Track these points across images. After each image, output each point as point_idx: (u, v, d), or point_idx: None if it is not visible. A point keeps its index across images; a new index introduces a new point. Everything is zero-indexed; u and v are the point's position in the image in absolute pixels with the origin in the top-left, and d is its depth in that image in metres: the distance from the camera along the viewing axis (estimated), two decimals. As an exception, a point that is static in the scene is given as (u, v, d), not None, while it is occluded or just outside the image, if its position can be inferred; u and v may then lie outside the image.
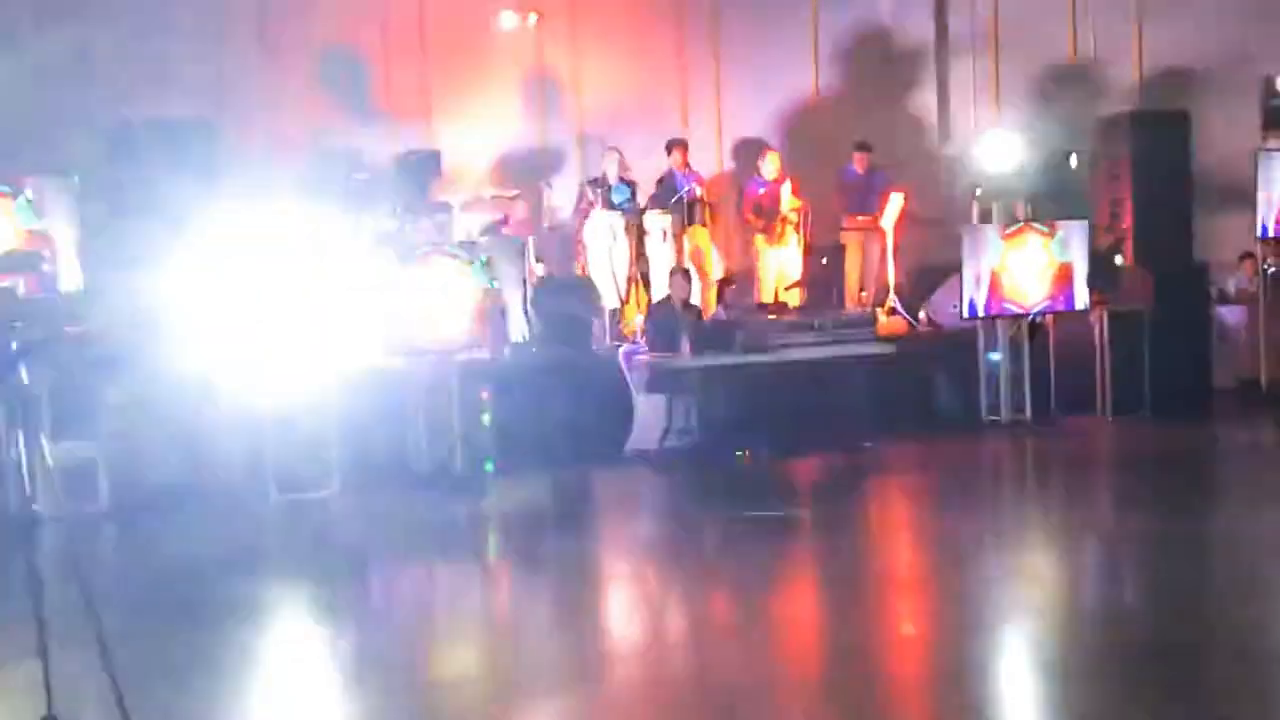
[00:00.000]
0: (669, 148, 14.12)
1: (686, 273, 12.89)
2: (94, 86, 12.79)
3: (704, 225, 13.96)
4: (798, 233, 14.23)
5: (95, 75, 12.87)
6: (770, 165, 14.24)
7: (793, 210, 14.14)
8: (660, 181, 14.03)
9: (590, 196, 13.53)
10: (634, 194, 13.74)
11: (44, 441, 10.37)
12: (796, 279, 14.20)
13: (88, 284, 10.77)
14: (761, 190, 14.24)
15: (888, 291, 14.54)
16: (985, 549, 8.71)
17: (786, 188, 14.16)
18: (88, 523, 10.16)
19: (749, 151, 15.12)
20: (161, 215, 10.85)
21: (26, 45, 12.78)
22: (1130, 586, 7.99)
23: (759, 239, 14.35)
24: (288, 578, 8.96)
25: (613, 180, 13.60)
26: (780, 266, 14.23)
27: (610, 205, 13.44)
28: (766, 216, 14.15)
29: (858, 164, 14.59)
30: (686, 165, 14.09)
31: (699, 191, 13.92)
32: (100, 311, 11.39)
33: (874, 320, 13.02)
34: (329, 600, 8.18)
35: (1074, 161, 14.10)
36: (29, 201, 10.41)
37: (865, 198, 14.57)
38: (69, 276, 10.53)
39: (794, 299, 13.97)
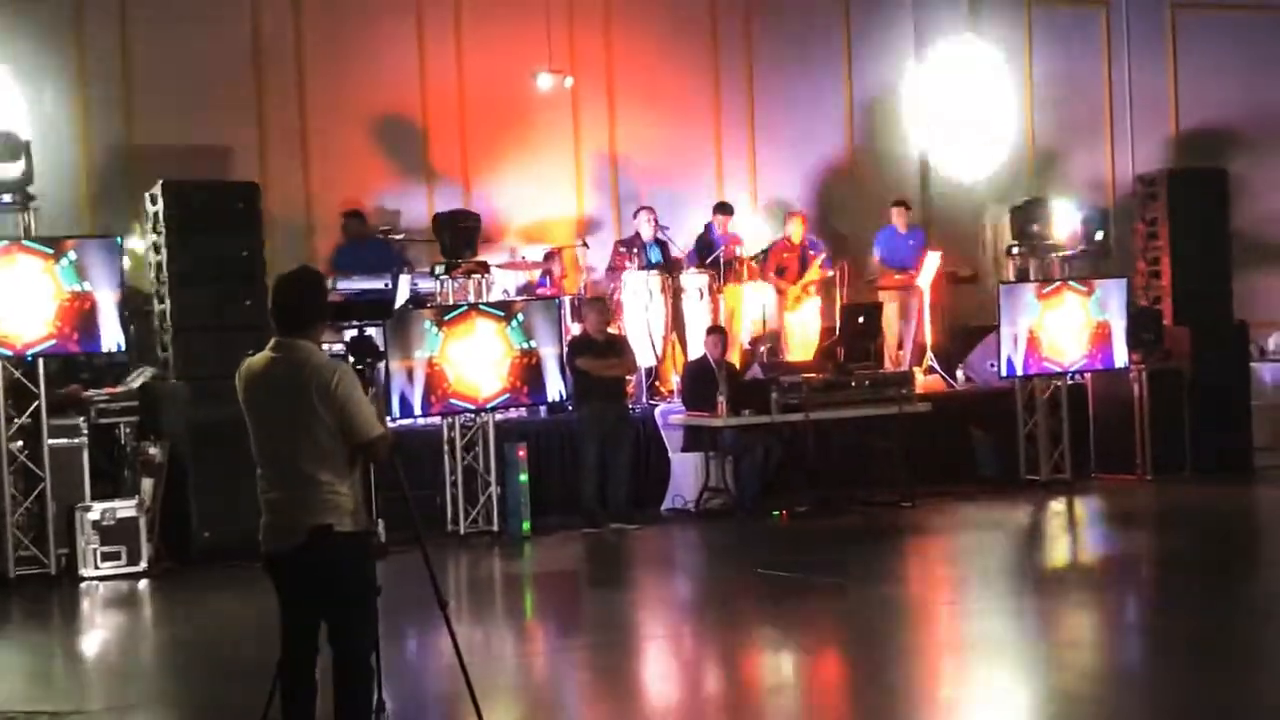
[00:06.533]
0: (715, 211, 14.17)
1: (722, 331, 12.87)
2: (137, 149, 13.00)
3: (740, 284, 13.96)
4: (818, 295, 14.16)
5: (138, 139, 13.08)
6: (795, 228, 14.21)
7: (811, 283, 14.06)
8: (699, 239, 14.07)
9: (625, 257, 13.58)
10: (667, 253, 13.77)
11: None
12: (816, 342, 14.05)
13: (129, 343, 10.87)
14: (785, 254, 14.18)
15: (925, 350, 14.51)
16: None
17: (814, 255, 14.08)
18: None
19: (780, 211, 15.09)
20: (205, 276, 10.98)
21: (71, 108, 13.03)
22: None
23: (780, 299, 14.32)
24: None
25: (647, 239, 13.65)
26: (801, 328, 14.15)
27: (645, 265, 13.48)
28: (787, 279, 14.08)
29: (897, 221, 14.60)
30: (727, 231, 14.08)
31: (736, 250, 13.94)
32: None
33: (911, 379, 12.98)
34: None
35: (1099, 235, 14.12)
36: (72, 263, 10.49)
37: (903, 256, 14.57)
38: (109, 336, 10.60)
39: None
